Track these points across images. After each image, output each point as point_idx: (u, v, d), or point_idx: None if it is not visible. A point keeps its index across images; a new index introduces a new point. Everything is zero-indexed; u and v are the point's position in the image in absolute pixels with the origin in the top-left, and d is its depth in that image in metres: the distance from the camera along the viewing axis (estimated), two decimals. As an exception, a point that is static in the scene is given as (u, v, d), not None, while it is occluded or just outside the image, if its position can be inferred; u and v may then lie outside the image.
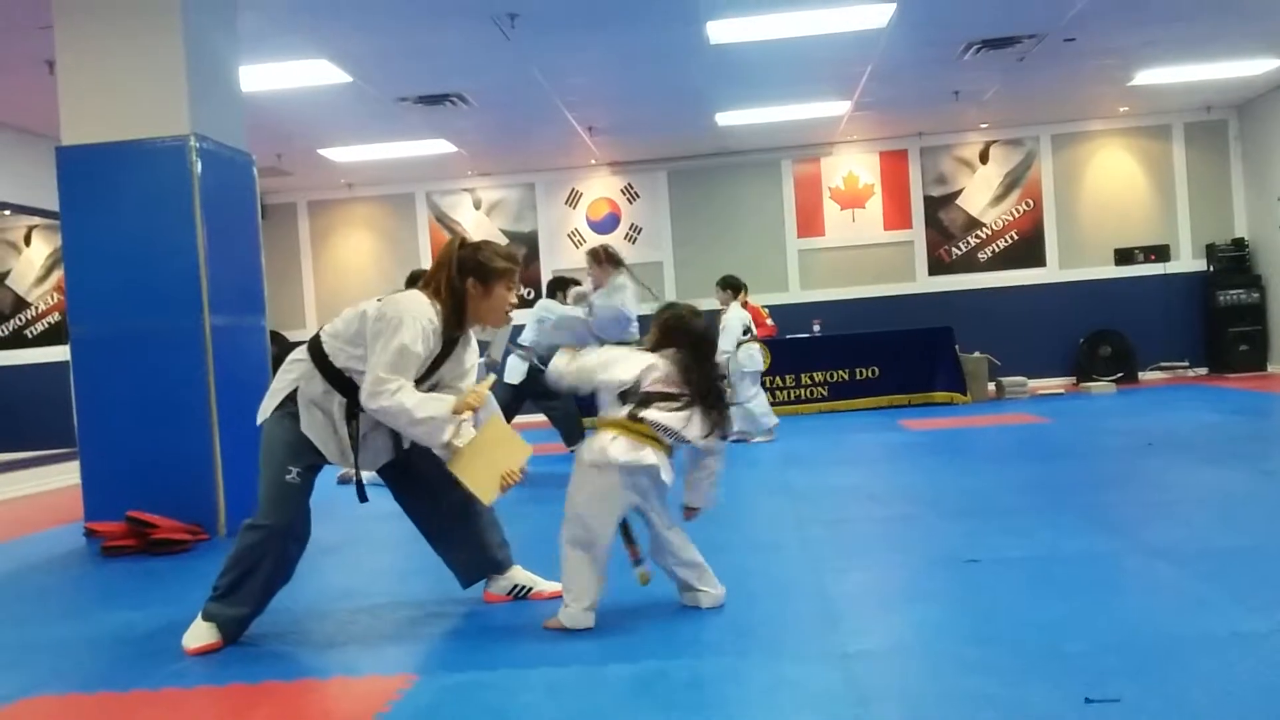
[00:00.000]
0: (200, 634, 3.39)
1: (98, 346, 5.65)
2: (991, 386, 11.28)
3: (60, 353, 10.58)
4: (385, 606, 3.89)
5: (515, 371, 7.73)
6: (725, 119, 10.77)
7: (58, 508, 7.34)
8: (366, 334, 3.37)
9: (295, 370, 3.49)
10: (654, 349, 3.44)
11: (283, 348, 12.35)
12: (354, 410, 3.45)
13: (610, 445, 3.28)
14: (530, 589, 3.77)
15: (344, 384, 3.43)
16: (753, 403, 8.42)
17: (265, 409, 3.51)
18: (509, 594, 3.76)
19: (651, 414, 3.29)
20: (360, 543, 5.44)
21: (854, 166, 12.71)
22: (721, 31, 7.73)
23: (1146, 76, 10.25)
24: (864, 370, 10.91)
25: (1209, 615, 3.07)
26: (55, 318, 12.30)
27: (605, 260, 7.22)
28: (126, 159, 5.62)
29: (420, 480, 3.74)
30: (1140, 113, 12.17)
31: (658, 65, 8.64)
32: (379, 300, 3.47)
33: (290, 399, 3.46)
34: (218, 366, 5.62)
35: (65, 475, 8.62)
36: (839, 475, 6.57)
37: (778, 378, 10.81)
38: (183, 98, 5.62)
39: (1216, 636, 2.87)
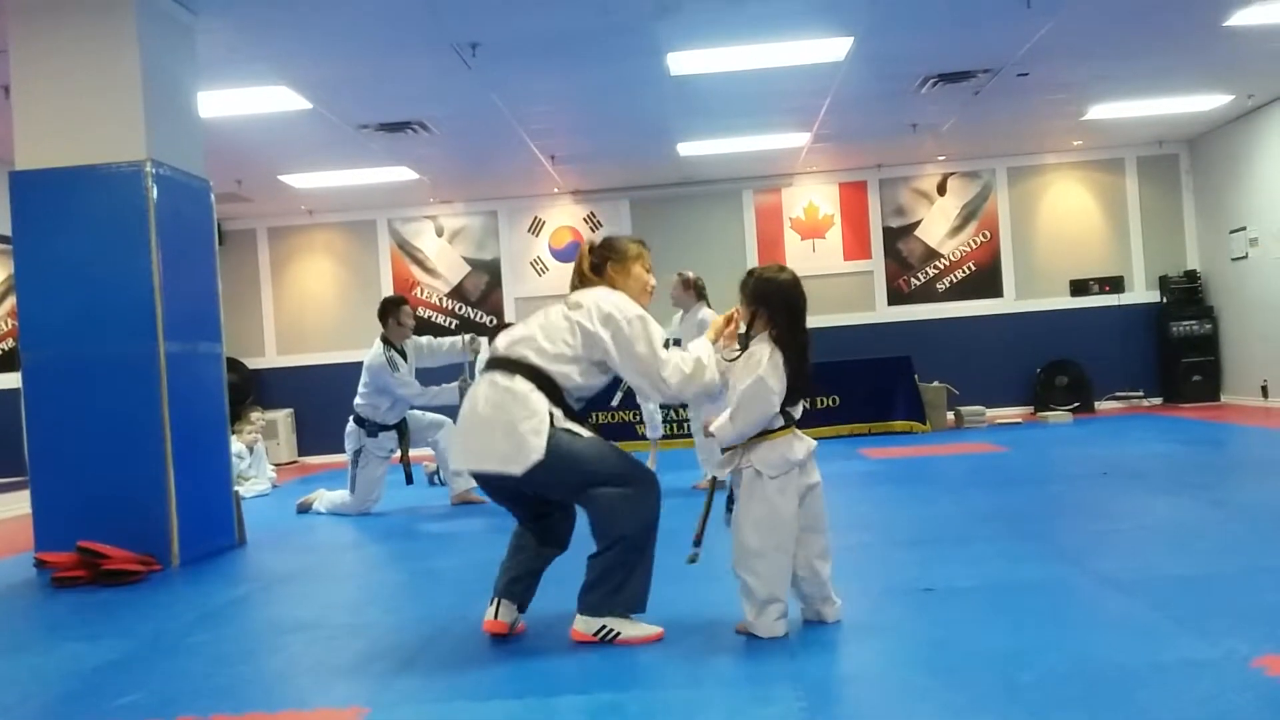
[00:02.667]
0: (635, 627, 3.43)
1: (50, 373, 5.57)
2: (950, 415, 11.37)
3: (12, 380, 10.42)
4: (339, 638, 3.84)
5: None
6: (687, 149, 10.84)
7: (7, 538, 7.22)
8: (605, 342, 3.46)
9: (536, 405, 3.39)
10: (749, 324, 3.47)
11: (241, 375, 12.28)
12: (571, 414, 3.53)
13: (787, 450, 3.36)
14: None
15: (557, 397, 3.48)
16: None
17: (535, 447, 3.33)
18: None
19: (796, 410, 3.42)
20: (315, 573, 5.39)
21: (814, 197, 12.82)
22: (682, 63, 7.80)
23: (1099, 111, 10.44)
24: (824, 399, 10.96)
25: (1159, 644, 3.10)
26: (8, 344, 12.12)
27: (693, 286, 7.62)
28: (81, 184, 5.56)
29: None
30: (1094, 146, 12.38)
31: (619, 95, 8.70)
32: (569, 307, 3.56)
33: (551, 423, 3.41)
34: (172, 394, 5.55)
35: (15, 505, 8.46)
36: (798, 504, 6.57)
37: (739, 406, 10.80)
38: (139, 123, 5.58)
39: (1166, 665, 2.89)
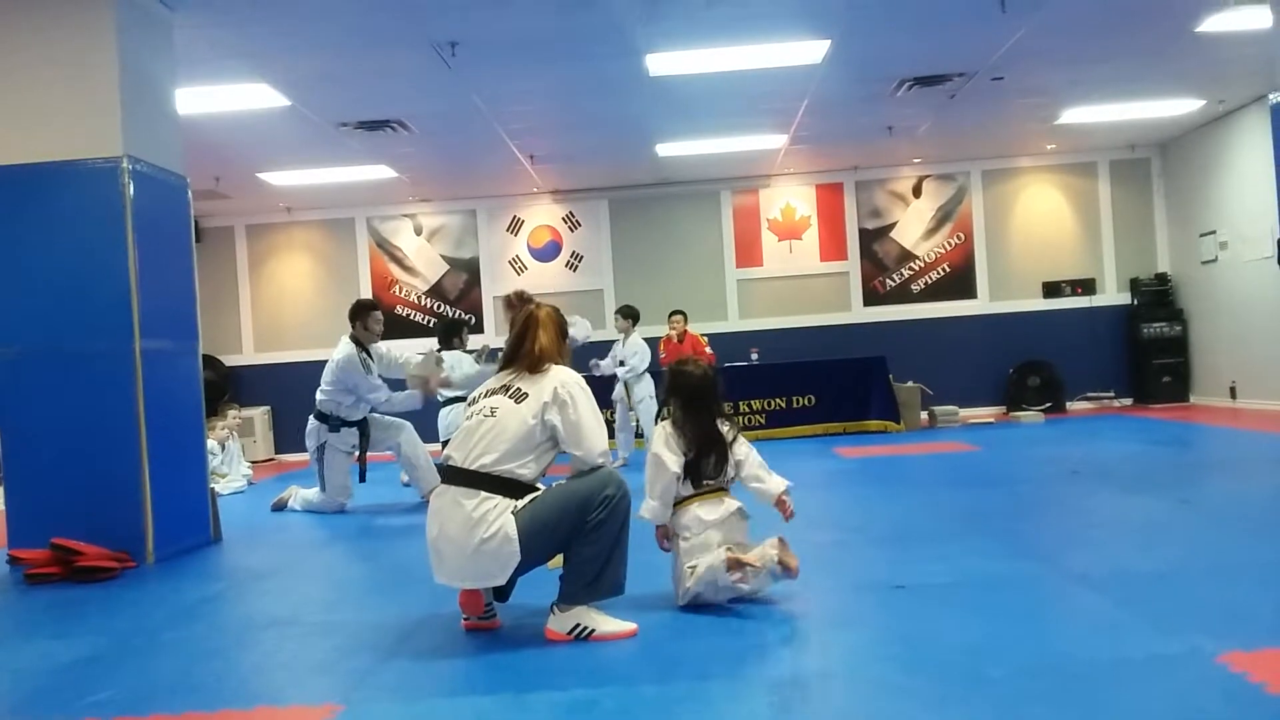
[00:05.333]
0: (610, 623, 3.52)
1: (24, 369, 5.54)
2: (924, 415, 11.45)
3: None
4: (313, 634, 3.85)
5: (451, 427, 7.72)
6: (665, 150, 10.87)
7: (-21, 535, 7.17)
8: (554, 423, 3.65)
9: (496, 518, 3.45)
10: (667, 405, 4.04)
11: (218, 373, 12.22)
12: None
13: (700, 511, 3.83)
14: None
15: (519, 491, 3.61)
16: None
17: (510, 553, 3.46)
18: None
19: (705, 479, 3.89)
20: (290, 570, 5.39)
21: (791, 198, 12.88)
22: (660, 64, 7.83)
23: (1072, 115, 10.54)
24: (800, 399, 11.03)
25: (1126, 639, 3.15)
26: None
27: (518, 306, 7.62)
28: (57, 180, 5.54)
29: None
30: (1067, 150, 12.50)
31: (598, 96, 8.71)
32: (515, 399, 3.64)
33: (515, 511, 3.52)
34: (148, 391, 5.54)
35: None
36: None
37: (715, 406, 10.87)
38: (116, 118, 5.56)
39: (1133, 660, 2.94)
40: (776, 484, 3.99)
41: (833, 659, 3.21)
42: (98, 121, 5.57)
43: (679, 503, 3.88)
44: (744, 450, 4.00)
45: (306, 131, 9.09)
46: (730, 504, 3.89)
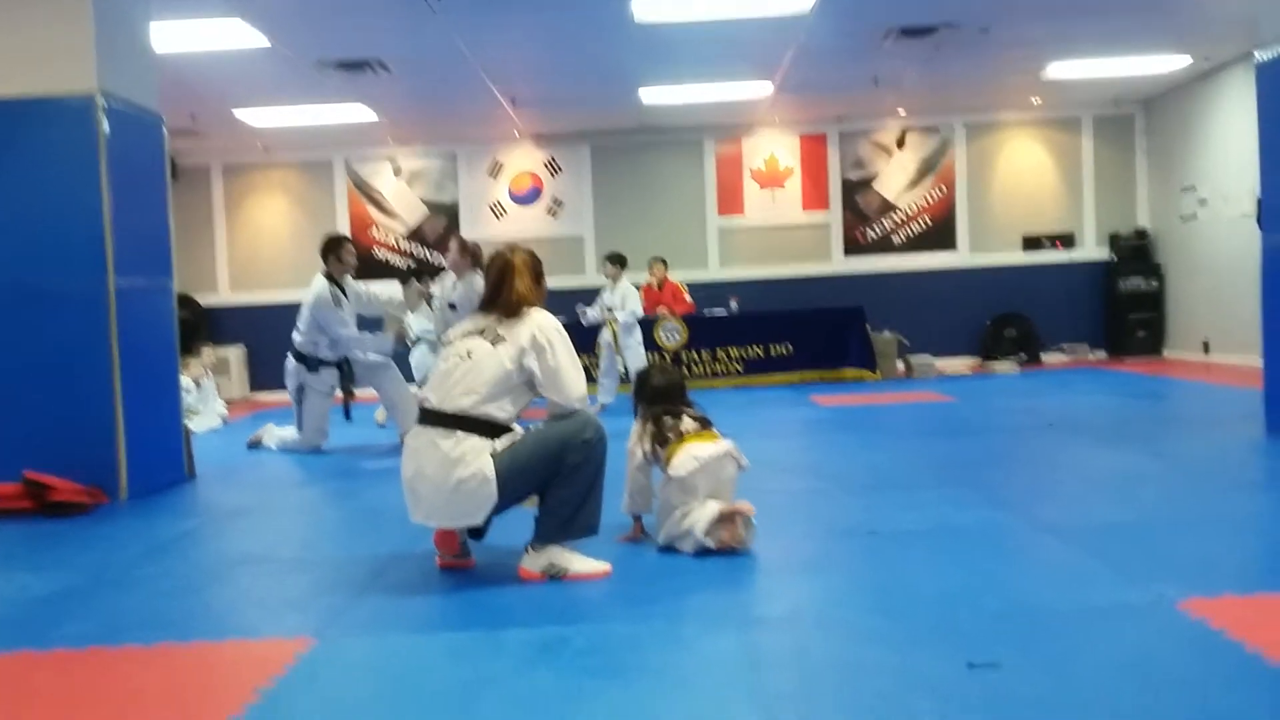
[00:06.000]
0: (583, 563, 3.56)
1: (-4, 305, 5.49)
2: (900, 365, 11.51)
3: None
4: (287, 571, 3.86)
5: (423, 367, 7.76)
6: (649, 96, 10.78)
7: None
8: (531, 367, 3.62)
9: (474, 459, 3.46)
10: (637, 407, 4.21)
11: (194, 311, 12.14)
12: None
13: (694, 449, 3.82)
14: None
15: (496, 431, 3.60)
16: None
17: (488, 494, 3.46)
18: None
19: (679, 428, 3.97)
20: (265, 508, 5.39)
21: (774, 148, 12.82)
22: (646, 9, 7.73)
23: (1058, 70, 10.50)
24: (778, 347, 11.06)
25: (1093, 587, 3.20)
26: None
27: (469, 253, 7.74)
28: (29, 116, 5.45)
29: None
30: (1051, 105, 12.46)
31: (582, 40, 8.61)
32: (492, 342, 3.62)
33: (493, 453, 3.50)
34: (122, 328, 5.50)
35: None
36: (750, 449, 6.56)
37: (694, 353, 10.93)
38: (89, 54, 5.45)
39: (1098, 607, 2.98)
40: None
41: (804, 602, 3.24)
42: (71, 57, 5.46)
43: (673, 446, 3.85)
44: None
45: (284, 70, 8.95)
46: (723, 444, 3.89)
